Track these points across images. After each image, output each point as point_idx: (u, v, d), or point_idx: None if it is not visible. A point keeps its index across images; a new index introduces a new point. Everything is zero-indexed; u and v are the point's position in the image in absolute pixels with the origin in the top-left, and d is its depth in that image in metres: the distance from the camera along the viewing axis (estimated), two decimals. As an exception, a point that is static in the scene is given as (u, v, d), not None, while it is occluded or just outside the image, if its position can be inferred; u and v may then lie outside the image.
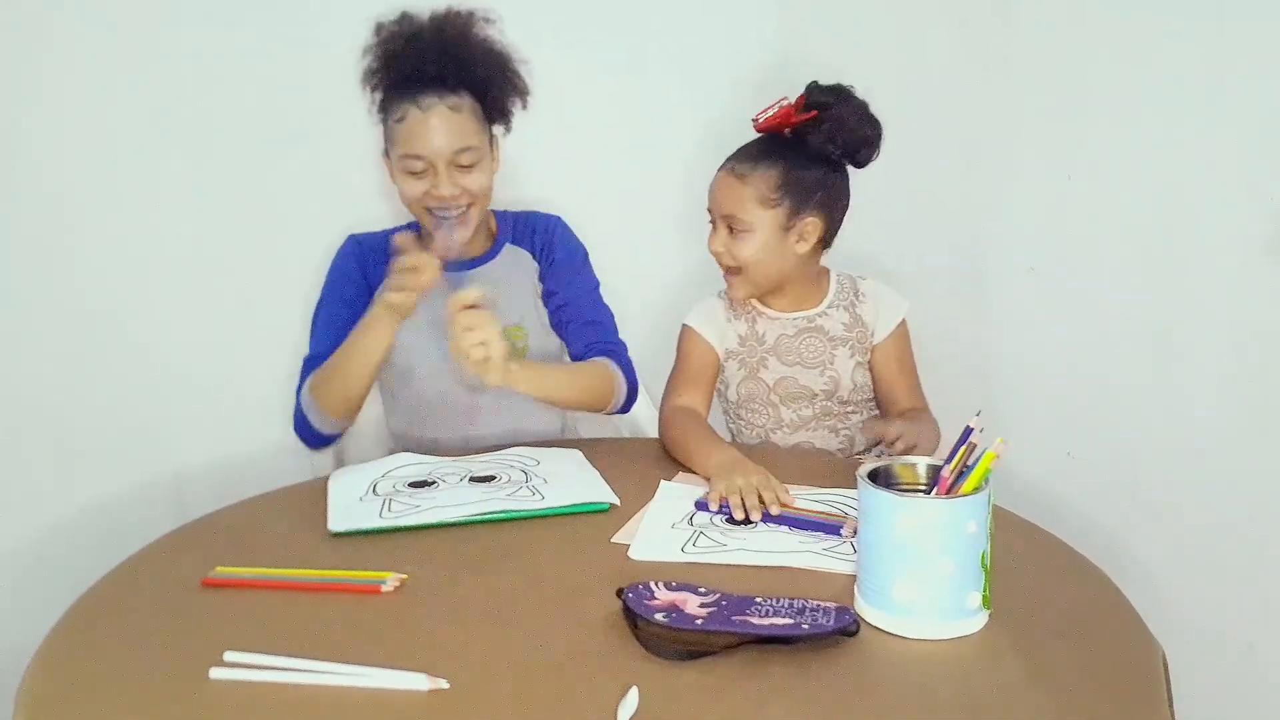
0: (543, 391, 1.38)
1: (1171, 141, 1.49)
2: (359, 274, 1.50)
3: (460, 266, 1.49)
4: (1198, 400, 1.51)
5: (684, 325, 1.51)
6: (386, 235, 1.49)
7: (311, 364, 1.46)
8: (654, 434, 1.64)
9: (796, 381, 1.46)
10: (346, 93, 1.69)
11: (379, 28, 1.44)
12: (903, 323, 1.49)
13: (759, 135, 1.43)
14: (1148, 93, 1.52)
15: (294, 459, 1.53)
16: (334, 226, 1.56)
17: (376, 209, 1.66)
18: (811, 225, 1.41)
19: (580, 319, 1.55)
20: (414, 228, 1.51)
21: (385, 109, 1.44)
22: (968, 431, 0.91)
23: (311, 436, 1.45)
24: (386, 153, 1.46)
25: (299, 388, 1.46)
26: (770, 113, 1.41)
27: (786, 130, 1.40)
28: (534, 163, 1.63)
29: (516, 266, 1.55)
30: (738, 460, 1.23)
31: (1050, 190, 1.67)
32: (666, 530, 1.11)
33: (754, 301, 1.49)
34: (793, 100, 1.40)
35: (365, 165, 1.72)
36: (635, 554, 1.05)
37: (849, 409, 1.48)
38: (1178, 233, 1.51)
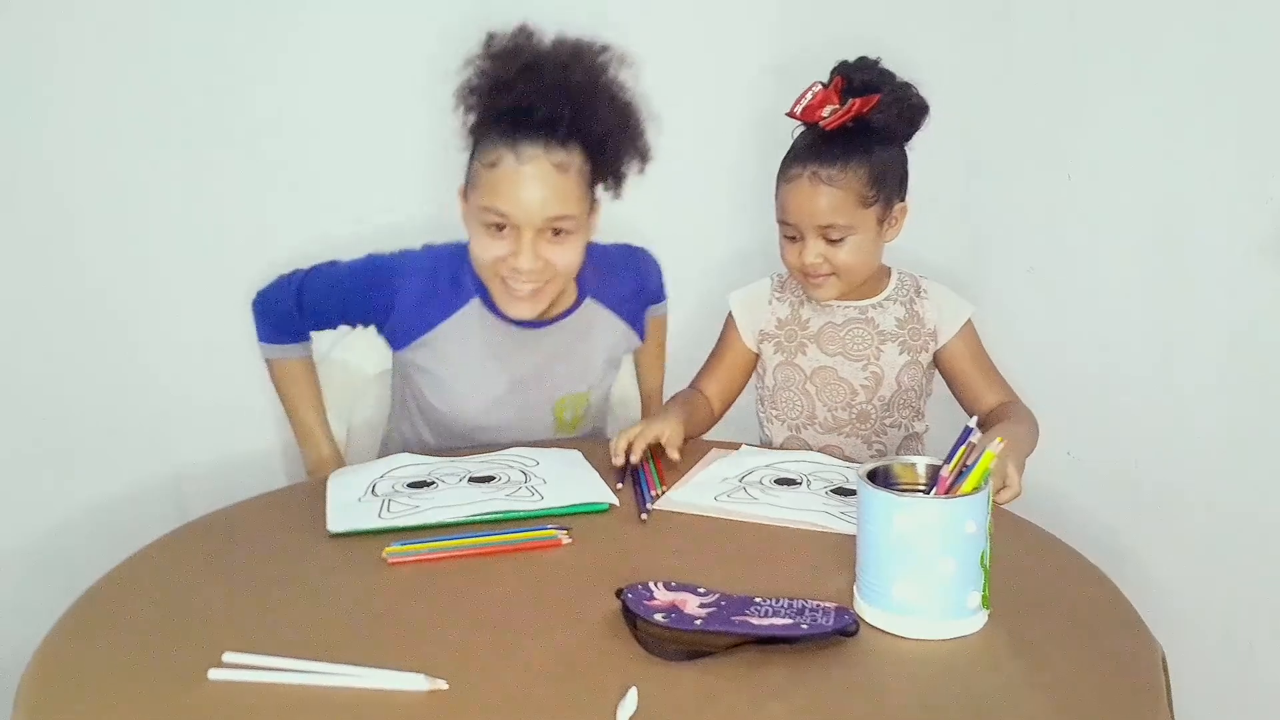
0: None
1: (1171, 141, 1.49)
2: (371, 300, 1.38)
3: (530, 324, 1.36)
4: (1197, 400, 1.51)
5: (729, 316, 1.50)
6: (436, 274, 1.37)
7: (288, 286, 1.41)
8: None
9: (836, 373, 1.42)
10: (347, 92, 1.70)
11: (491, 39, 1.23)
12: (969, 323, 1.43)
13: (817, 131, 1.34)
14: (1147, 93, 1.52)
15: (293, 459, 1.53)
16: (334, 226, 1.56)
17: (378, 209, 1.66)
18: (901, 210, 1.39)
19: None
20: (444, 253, 1.38)
21: (476, 143, 1.25)
22: (967, 431, 0.91)
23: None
24: (465, 193, 1.28)
25: (269, 294, 1.44)
26: (806, 100, 1.34)
27: (849, 122, 1.33)
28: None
29: (594, 327, 1.43)
30: (659, 414, 1.34)
31: (1050, 190, 1.67)
32: (715, 483, 1.20)
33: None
34: (825, 85, 1.34)
35: (365, 165, 1.72)
36: (673, 496, 1.16)
37: (888, 419, 1.43)
38: (1177, 232, 1.51)
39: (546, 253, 1.24)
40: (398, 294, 1.36)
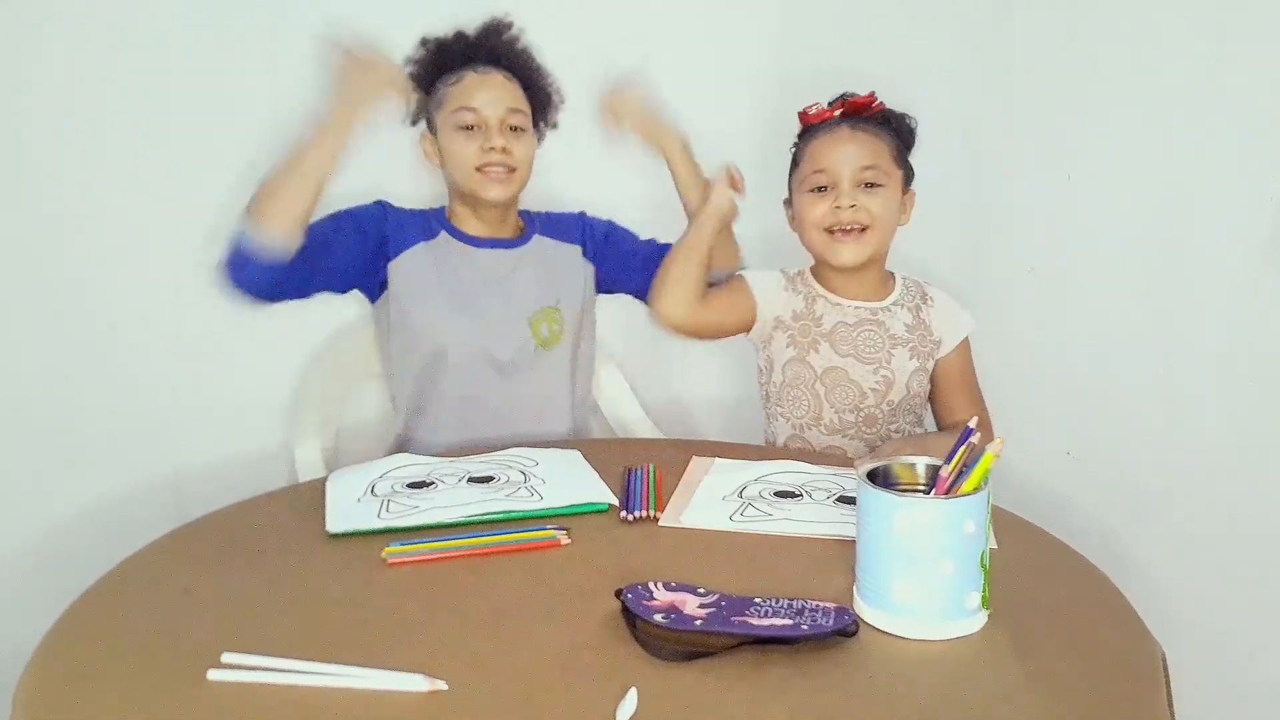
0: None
1: (1171, 142, 1.49)
2: (374, 230, 1.49)
3: (493, 245, 1.55)
4: (1198, 400, 1.51)
5: (737, 275, 1.47)
6: (411, 214, 1.55)
7: None
8: (647, 434, 1.64)
9: (847, 375, 1.41)
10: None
11: (425, 40, 1.51)
12: (966, 339, 1.46)
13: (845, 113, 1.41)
14: (1148, 93, 1.52)
15: (293, 460, 1.53)
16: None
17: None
18: (911, 199, 1.43)
19: (648, 250, 1.64)
20: (438, 215, 1.56)
21: (435, 87, 1.50)
22: (967, 432, 0.91)
23: (250, 273, 1.35)
24: (430, 129, 1.52)
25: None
26: (814, 110, 1.43)
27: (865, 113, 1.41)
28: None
29: (550, 253, 1.60)
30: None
31: (1050, 190, 1.67)
32: (718, 501, 1.17)
33: (816, 283, 1.45)
34: (829, 105, 1.43)
35: (365, 165, 1.72)
36: (686, 521, 1.11)
37: (892, 423, 1.43)
38: (1178, 233, 1.50)
39: (509, 141, 1.47)
40: (387, 220, 1.52)
